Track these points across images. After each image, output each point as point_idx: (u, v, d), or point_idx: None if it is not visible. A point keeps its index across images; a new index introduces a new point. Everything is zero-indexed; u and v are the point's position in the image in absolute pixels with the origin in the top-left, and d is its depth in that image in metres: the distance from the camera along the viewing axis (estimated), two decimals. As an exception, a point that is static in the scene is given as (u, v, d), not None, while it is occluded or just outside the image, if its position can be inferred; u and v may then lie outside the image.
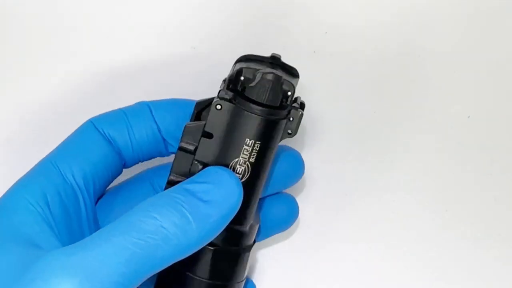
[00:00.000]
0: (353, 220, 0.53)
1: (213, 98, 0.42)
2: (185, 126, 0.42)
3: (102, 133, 0.44)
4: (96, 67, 0.52)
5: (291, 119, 0.42)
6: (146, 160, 0.46)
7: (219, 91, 0.42)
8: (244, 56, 0.43)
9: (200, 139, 0.41)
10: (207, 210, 0.39)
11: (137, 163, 0.46)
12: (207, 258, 0.42)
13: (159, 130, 0.45)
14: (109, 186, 0.46)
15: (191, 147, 0.42)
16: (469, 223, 0.53)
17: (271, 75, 0.40)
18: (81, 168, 0.43)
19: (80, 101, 0.52)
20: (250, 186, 0.42)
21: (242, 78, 0.41)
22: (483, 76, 0.52)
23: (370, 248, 0.52)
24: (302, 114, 0.42)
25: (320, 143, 0.52)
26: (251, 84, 0.40)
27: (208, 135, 0.41)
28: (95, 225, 0.44)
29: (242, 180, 0.41)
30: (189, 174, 0.41)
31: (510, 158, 0.53)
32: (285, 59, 0.43)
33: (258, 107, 0.40)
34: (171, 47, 0.52)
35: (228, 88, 0.41)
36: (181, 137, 0.42)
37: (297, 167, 0.48)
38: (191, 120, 0.43)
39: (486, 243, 0.53)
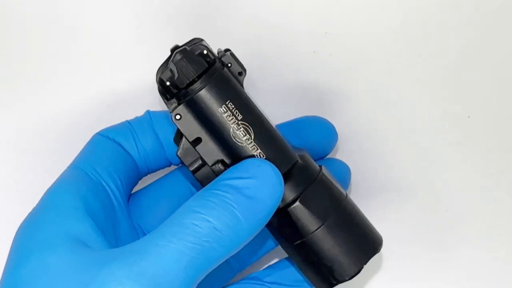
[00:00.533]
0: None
1: None
2: (177, 156, 0.42)
3: (114, 140, 0.45)
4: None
5: (229, 64, 0.41)
6: (155, 170, 0.47)
7: (167, 107, 0.42)
8: (157, 71, 0.42)
9: (196, 150, 0.41)
10: (254, 207, 0.39)
11: (148, 172, 0.47)
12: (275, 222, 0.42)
13: (159, 140, 0.46)
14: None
15: (199, 162, 0.41)
16: (469, 223, 0.53)
17: (177, 54, 0.40)
18: (104, 168, 0.43)
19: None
20: (263, 129, 0.41)
21: (167, 83, 0.40)
22: (483, 76, 0.52)
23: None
24: (232, 53, 0.42)
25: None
26: (175, 77, 0.40)
27: (198, 141, 0.41)
28: (129, 220, 0.45)
29: (254, 133, 0.41)
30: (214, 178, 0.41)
31: (510, 158, 0.53)
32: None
33: (198, 84, 0.40)
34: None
35: (168, 99, 0.41)
36: (184, 164, 0.42)
37: (328, 134, 0.49)
38: (175, 136, 0.43)
39: (486, 243, 0.53)
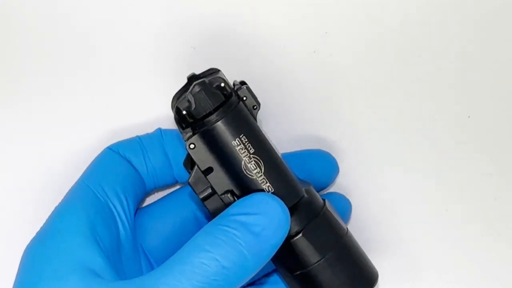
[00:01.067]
0: (353, 220, 0.53)
1: None
2: (188, 183, 0.42)
3: (123, 156, 0.46)
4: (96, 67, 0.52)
5: (244, 98, 0.43)
6: (162, 186, 0.48)
7: (182, 135, 0.42)
8: (174, 98, 0.43)
9: (207, 179, 0.42)
10: (261, 245, 0.40)
11: (154, 189, 0.48)
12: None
13: (168, 158, 0.46)
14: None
15: (209, 190, 0.42)
16: (469, 223, 0.53)
17: (196, 86, 0.41)
18: (112, 187, 0.44)
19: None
20: (273, 163, 0.42)
21: (184, 112, 0.42)
22: (483, 76, 0.52)
23: (370, 248, 0.52)
24: (248, 87, 0.43)
25: (320, 143, 0.52)
26: (192, 108, 0.41)
27: (209, 170, 0.42)
28: (133, 242, 0.45)
29: (265, 167, 0.42)
30: (225, 207, 0.42)
31: (510, 158, 0.53)
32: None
33: (214, 117, 0.41)
34: (171, 47, 0.52)
35: (183, 128, 0.42)
36: (194, 192, 0.43)
37: (330, 168, 0.50)
38: (185, 160, 0.44)
39: (486, 243, 0.53)
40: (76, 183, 0.45)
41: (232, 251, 0.39)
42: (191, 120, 0.42)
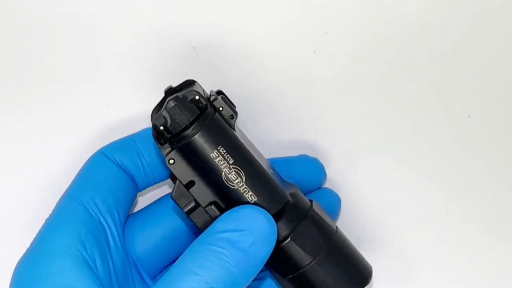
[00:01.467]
0: (353, 221, 0.53)
1: None
2: (172, 198, 0.43)
3: (114, 161, 0.45)
4: (97, 67, 0.52)
5: (220, 108, 0.43)
6: (157, 182, 0.48)
7: (160, 151, 0.43)
8: (152, 112, 0.43)
9: (190, 193, 0.42)
10: (250, 260, 0.40)
11: (148, 186, 0.47)
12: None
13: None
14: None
15: (192, 203, 0.42)
16: (469, 223, 0.53)
17: (170, 102, 0.41)
18: (104, 200, 0.44)
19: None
20: (255, 171, 0.42)
21: (161, 128, 0.42)
22: (483, 76, 0.52)
23: (370, 248, 0.52)
24: (224, 96, 0.43)
25: (320, 143, 0.52)
26: (168, 123, 0.41)
27: (191, 184, 0.42)
28: (124, 254, 0.45)
29: (246, 177, 0.42)
30: (212, 220, 0.42)
31: (510, 158, 0.53)
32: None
33: (190, 131, 0.41)
34: (171, 47, 0.52)
35: (162, 144, 0.42)
36: (178, 206, 0.43)
37: (317, 173, 0.50)
38: (171, 176, 0.44)
39: (486, 243, 0.53)
40: (67, 193, 0.44)
41: (222, 272, 0.39)
42: (168, 135, 0.42)
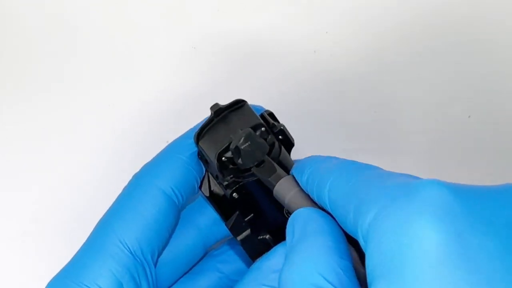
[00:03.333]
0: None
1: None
2: (227, 226, 0.41)
3: (168, 194, 0.42)
4: (98, 67, 0.52)
5: (280, 137, 0.41)
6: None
7: (217, 177, 0.41)
8: (197, 134, 0.41)
9: (247, 223, 0.41)
10: None
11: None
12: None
13: (197, 181, 0.43)
14: None
15: (248, 233, 0.41)
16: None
17: (243, 139, 0.39)
18: (149, 242, 0.41)
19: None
20: None
21: (224, 159, 0.40)
22: (483, 76, 0.53)
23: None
24: (283, 128, 0.42)
25: (320, 143, 0.52)
26: (238, 160, 0.39)
27: (249, 215, 0.41)
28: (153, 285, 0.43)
29: None
30: (264, 249, 0.41)
31: (510, 158, 0.53)
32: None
33: (262, 168, 0.40)
34: (171, 47, 0.52)
35: (224, 175, 0.40)
36: (232, 234, 0.41)
37: None
38: (209, 200, 0.43)
39: (486, 243, 0.53)
40: (109, 227, 0.41)
41: None
42: (232, 167, 0.40)
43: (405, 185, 0.31)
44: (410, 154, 0.53)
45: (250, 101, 0.45)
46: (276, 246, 0.39)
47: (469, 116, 0.53)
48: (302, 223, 0.35)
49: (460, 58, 0.52)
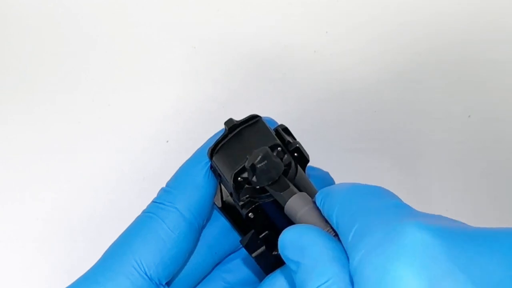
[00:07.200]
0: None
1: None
2: (241, 244, 0.41)
3: (185, 215, 0.41)
4: (98, 67, 0.52)
5: (295, 154, 0.41)
6: None
7: (231, 194, 0.40)
8: (211, 149, 0.41)
9: (261, 240, 0.41)
10: None
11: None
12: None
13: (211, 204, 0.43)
14: None
15: (263, 250, 0.41)
16: (469, 223, 0.53)
17: (260, 157, 0.38)
18: (166, 266, 0.40)
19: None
20: None
21: (239, 179, 0.39)
22: (483, 76, 0.53)
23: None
24: (299, 145, 0.41)
25: (320, 143, 0.52)
26: (254, 179, 0.38)
27: (264, 232, 0.41)
28: None
29: None
30: (277, 264, 0.40)
31: (510, 158, 0.53)
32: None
33: (276, 187, 0.39)
34: (171, 47, 0.52)
35: (238, 192, 0.40)
36: (247, 251, 0.41)
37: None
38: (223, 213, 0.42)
39: (486, 243, 0.53)
40: (129, 253, 0.40)
41: None
42: (246, 186, 0.39)
43: (391, 228, 0.32)
44: (409, 154, 0.53)
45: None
46: (275, 271, 0.39)
47: (469, 116, 0.53)
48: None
49: (460, 57, 0.52)
